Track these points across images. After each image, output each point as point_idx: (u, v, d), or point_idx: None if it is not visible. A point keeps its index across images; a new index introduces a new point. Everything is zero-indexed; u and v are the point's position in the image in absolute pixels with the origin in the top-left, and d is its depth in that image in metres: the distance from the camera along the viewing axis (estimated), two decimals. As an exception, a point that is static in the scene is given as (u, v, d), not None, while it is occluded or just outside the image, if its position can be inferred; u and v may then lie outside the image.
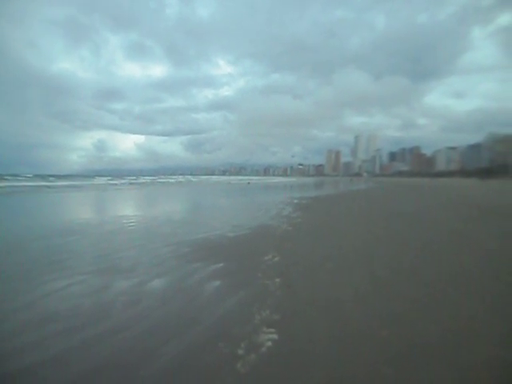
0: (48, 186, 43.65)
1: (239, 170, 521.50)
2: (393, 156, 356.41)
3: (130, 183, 61.23)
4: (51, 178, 70.89)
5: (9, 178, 65.06)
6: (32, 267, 6.00)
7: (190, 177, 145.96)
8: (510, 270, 5.69)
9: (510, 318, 3.83)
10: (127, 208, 18.22)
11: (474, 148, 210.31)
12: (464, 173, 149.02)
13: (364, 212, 14.96)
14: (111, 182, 65.20)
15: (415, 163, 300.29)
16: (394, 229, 10.00)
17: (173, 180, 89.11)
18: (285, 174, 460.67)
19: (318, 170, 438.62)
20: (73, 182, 57.04)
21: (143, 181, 76.26)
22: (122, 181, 69.79)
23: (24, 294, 4.69)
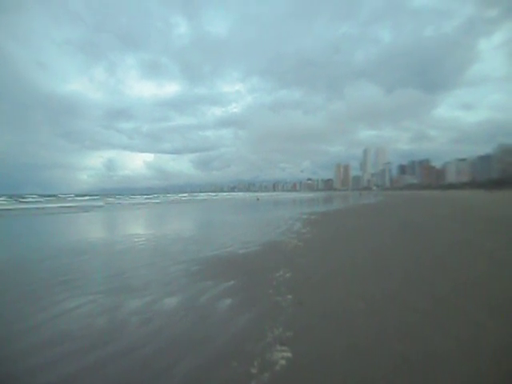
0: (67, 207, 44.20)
1: (248, 187, 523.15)
2: (402, 169, 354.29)
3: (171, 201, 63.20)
4: (83, 198, 73.75)
5: (30, 199, 67.06)
6: (42, 287, 6.05)
7: (212, 194, 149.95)
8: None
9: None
10: (141, 226, 18.30)
11: (484, 159, 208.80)
12: (474, 184, 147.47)
13: (374, 225, 14.82)
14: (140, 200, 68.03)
15: (425, 176, 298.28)
16: (404, 241, 9.87)
17: (201, 197, 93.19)
18: (294, 189, 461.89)
19: (327, 185, 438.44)
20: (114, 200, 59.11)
21: (176, 198, 79.92)
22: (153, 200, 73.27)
23: (35, 314, 4.72)
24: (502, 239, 9.88)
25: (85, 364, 3.29)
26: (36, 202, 60.54)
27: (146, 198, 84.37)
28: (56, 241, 12.54)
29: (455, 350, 3.29)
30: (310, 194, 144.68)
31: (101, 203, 56.97)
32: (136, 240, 11.57)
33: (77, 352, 3.54)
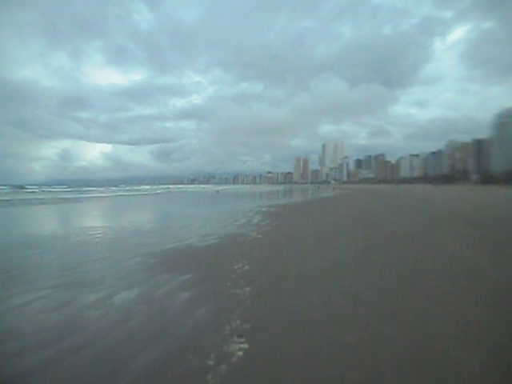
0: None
1: (208, 179, 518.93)
2: (359, 163, 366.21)
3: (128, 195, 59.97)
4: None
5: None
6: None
7: (174, 187, 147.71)
8: (466, 271, 5.98)
9: (464, 321, 4.02)
10: (98, 219, 17.73)
11: (436, 155, 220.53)
12: (426, 179, 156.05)
13: (329, 218, 15.26)
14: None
15: (380, 170, 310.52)
16: (356, 235, 10.25)
17: (160, 190, 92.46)
18: (254, 182, 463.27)
19: (287, 178, 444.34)
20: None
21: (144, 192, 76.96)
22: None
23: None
24: (443, 231, 10.51)
25: (35, 362, 3.16)
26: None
27: (100, 191, 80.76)
28: (5, 234, 11.89)
29: (403, 342, 3.48)
30: (270, 187, 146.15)
31: (65, 196, 53.70)
32: (92, 233, 11.21)
33: (27, 350, 3.40)
